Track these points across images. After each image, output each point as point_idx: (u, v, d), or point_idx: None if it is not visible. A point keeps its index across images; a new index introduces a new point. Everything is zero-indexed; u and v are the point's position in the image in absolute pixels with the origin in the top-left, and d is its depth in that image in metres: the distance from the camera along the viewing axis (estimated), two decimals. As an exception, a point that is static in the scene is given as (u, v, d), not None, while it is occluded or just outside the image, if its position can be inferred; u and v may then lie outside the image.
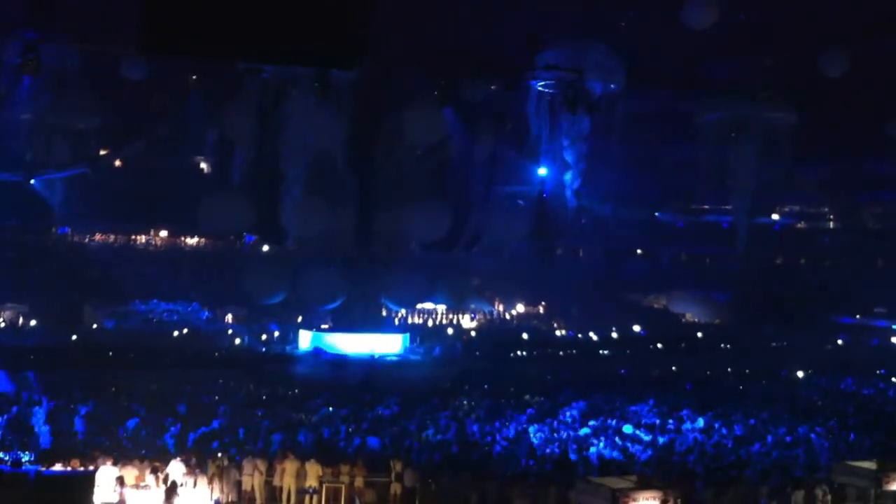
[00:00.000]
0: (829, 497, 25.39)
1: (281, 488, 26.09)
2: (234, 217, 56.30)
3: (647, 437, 33.81)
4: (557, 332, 69.43)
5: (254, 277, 58.58)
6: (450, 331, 65.98)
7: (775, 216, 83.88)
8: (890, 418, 38.41)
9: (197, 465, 25.61)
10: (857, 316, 72.58)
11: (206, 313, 64.61)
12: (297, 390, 41.41)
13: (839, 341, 66.91)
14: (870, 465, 25.62)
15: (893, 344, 67.67)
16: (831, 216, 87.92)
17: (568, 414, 37.31)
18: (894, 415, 39.53)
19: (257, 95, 55.83)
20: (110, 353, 49.10)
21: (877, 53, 60.53)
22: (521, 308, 76.73)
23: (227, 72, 53.07)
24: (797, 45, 61.64)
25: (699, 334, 70.83)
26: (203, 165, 76.43)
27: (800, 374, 52.48)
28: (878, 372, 51.93)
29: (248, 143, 57.69)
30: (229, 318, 63.93)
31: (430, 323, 68.85)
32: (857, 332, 69.56)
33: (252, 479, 26.05)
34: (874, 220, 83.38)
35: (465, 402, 39.38)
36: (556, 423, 35.79)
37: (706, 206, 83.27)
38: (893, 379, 49.43)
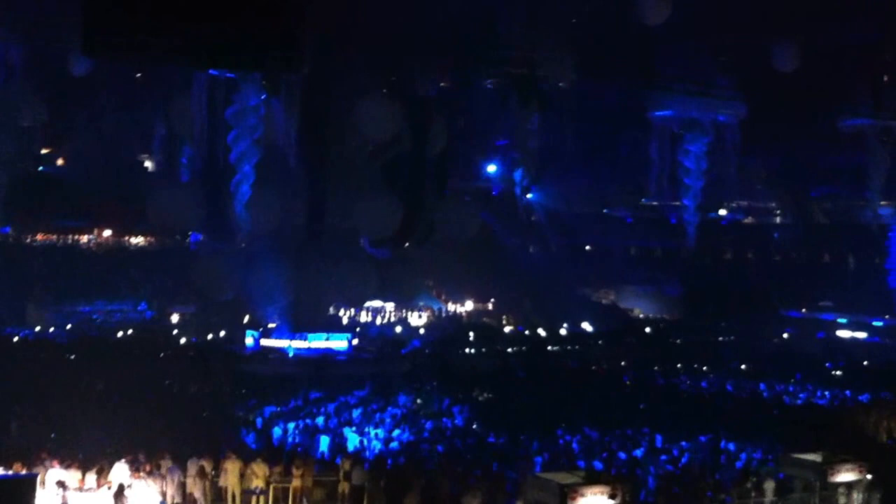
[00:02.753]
0: (775, 489, 25.61)
1: (226, 489, 25.68)
2: (181, 214, 55.58)
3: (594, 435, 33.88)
4: (507, 328, 69.55)
5: (201, 276, 57.87)
6: (398, 328, 65.77)
7: (724, 211, 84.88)
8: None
9: (141, 467, 25.13)
10: (804, 310, 73.60)
11: (152, 313, 63.72)
12: (243, 389, 40.90)
13: (785, 335, 67.82)
14: (815, 457, 25.87)
15: (839, 337, 68.82)
16: (779, 211, 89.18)
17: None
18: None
19: (205, 91, 55.24)
20: (53, 354, 48.16)
21: (825, 50, 61.50)
22: (470, 304, 76.75)
23: (174, 68, 52.38)
24: (747, 41, 62.44)
25: (648, 329, 71.35)
26: (148, 163, 75.40)
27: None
28: (825, 365, 52.63)
29: (196, 140, 57.01)
30: (175, 317, 63.08)
31: (378, 320, 68.57)
32: (803, 325, 70.56)
33: (197, 479, 25.59)
34: (821, 214, 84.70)
35: (414, 399, 39.21)
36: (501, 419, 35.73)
37: (656, 202, 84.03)
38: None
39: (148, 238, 75.82)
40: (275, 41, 9.49)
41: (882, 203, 71.34)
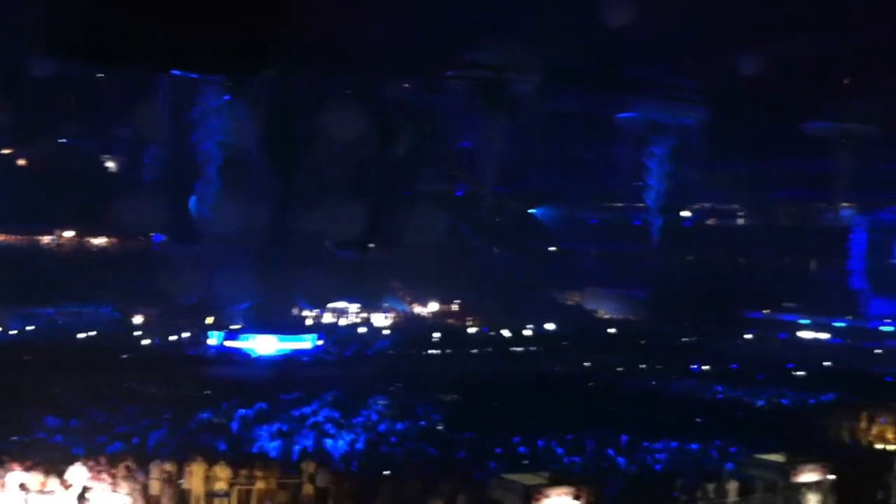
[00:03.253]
0: (738, 489, 25.81)
1: (190, 492, 25.46)
2: (144, 216, 55.16)
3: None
4: (471, 330, 69.63)
5: (164, 278, 57.41)
6: (363, 329, 65.62)
7: (687, 213, 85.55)
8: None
9: (104, 470, 24.87)
10: (767, 311, 74.33)
11: (115, 315, 63.08)
12: (207, 391, 40.60)
13: (748, 336, 68.46)
14: (778, 458, 26.10)
15: (801, 338, 69.62)
16: (742, 213, 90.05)
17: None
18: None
19: (169, 93, 54.88)
20: (14, 356, 47.53)
21: (789, 55, 62.28)
22: (434, 306, 76.76)
23: (138, 70, 51.99)
24: (713, 46, 63.08)
25: (612, 330, 71.72)
26: (110, 164, 74.68)
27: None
28: (784, 366, 53.12)
29: (160, 142, 56.63)
30: (138, 319, 62.50)
31: (343, 322, 68.36)
32: (766, 326, 71.27)
33: (160, 483, 25.35)
34: (784, 217, 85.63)
35: (378, 401, 39.09)
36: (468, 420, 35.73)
37: (621, 204, 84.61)
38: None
39: (111, 239, 75.10)
40: (239, 44, 9.41)
41: (844, 205, 72.28)
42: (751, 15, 58.80)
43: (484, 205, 66.74)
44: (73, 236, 75.99)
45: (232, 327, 58.27)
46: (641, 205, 77.33)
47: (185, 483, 25.62)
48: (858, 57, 60.93)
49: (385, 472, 26.93)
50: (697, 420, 36.90)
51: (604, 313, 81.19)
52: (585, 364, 53.59)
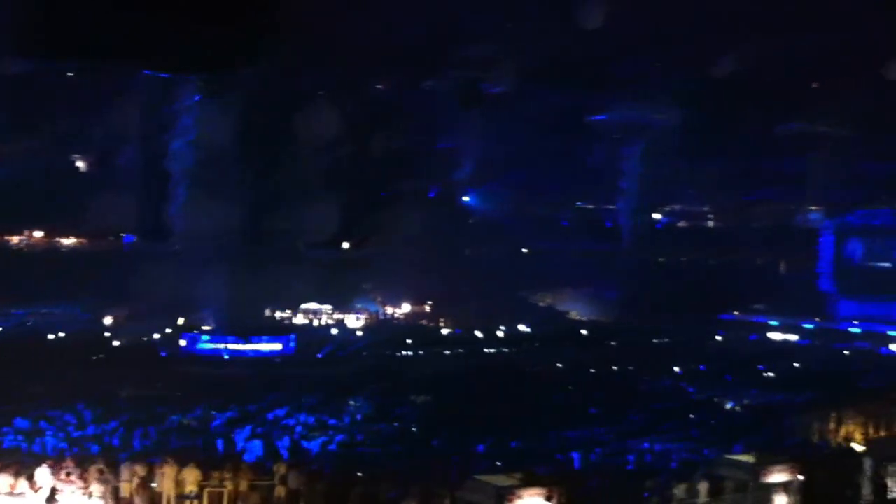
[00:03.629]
0: (709, 489, 25.99)
1: (161, 494, 25.33)
2: (114, 216, 54.79)
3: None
4: (444, 331, 69.67)
5: (135, 278, 57.01)
6: (335, 331, 65.47)
7: (659, 215, 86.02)
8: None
9: (75, 472, 24.69)
10: (737, 312, 74.86)
11: (86, 315, 62.55)
12: (178, 393, 40.36)
13: (719, 337, 68.93)
14: (748, 458, 26.31)
15: (771, 339, 70.21)
16: (714, 215, 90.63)
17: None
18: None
19: (142, 92, 54.54)
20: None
21: (761, 58, 62.82)
22: (407, 307, 76.71)
23: (109, 69, 51.66)
24: (686, 48, 63.50)
25: (584, 331, 71.97)
26: (80, 164, 74.00)
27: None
28: (754, 367, 53.49)
29: (131, 142, 56.24)
30: (109, 320, 62.01)
31: (315, 323, 68.15)
32: (737, 327, 71.77)
33: (131, 485, 25.21)
34: (754, 219, 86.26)
35: (351, 403, 39.05)
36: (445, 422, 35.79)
37: (592, 205, 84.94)
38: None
39: (81, 240, 74.47)
40: (213, 43, 9.30)
41: (814, 208, 73.02)
42: (724, 17, 59.27)
43: (457, 205, 66.84)
44: (43, 236, 75.30)
45: (204, 328, 57.95)
46: (614, 206, 77.74)
47: (156, 485, 25.50)
48: (828, 60, 61.60)
49: (358, 474, 26.87)
50: (669, 420, 37.12)
51: (576, 314, 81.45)
52: (558, 365, 53.71)
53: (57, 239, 75.18)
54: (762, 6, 56.39)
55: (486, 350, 60.64)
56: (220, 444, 31.70)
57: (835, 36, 60.35)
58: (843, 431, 36.35)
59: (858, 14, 55.63)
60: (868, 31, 58.92)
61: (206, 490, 25.40)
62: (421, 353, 58.09)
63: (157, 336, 57.31)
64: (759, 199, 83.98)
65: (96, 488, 24.38)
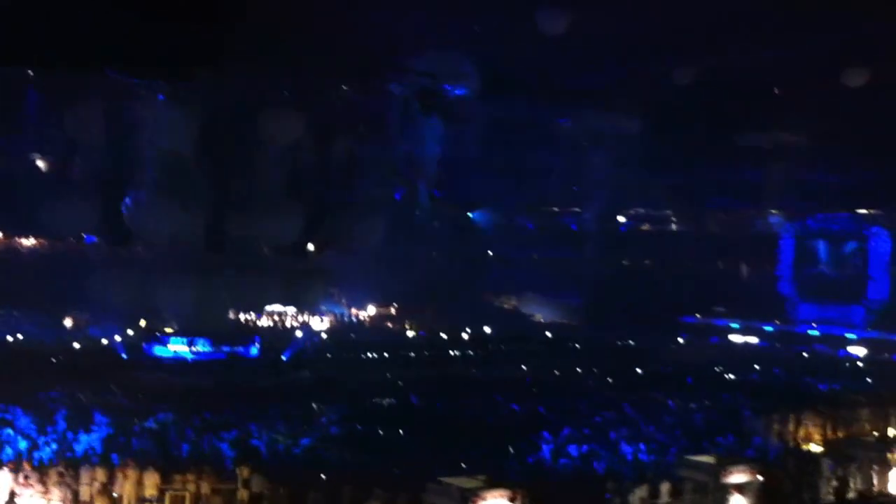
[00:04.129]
0: (670, 490, 26.23)
1: (121, 498, 25.13)
2: (75, 217, 54.23)
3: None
4: (409, 333, 69.68)
5: (96, 280, 56.46)
6: (300, 333, 65.24)
7: (622, 219, 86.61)
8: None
9: (33, 476, 24.45)
10: (699, 315, 75.55)
11: (45, 318, 61.80)
12: (140, 396, 40.02)
13: (681, 340, 69.54)
14: (709, 459, 26.62)
15: (731, 342, 70.98)
16: (676, 220, 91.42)
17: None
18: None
19: (105, 94, 54.05)
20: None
21: (723, 67, 63.54)
22: (372, 309, 76.66)
23: (71, 70, 51.13)
24: (649, 57, 64.06)
25: (548, 334, 72.30)
26: (41, 164, 73.16)
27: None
28: (715, 369, 54.01)
29: (93, 143, 55.69)
30: (69, 322, 61.33)
31: (279, 326, 67.87)
32: (698, 330, 72.45)
33: (91, 489, 24.99)
34: (716, 224, 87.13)
35: (315, 405, 38.94)
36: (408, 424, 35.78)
37: (556, 210, 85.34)
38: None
39: (41, 241, 73.61)
40: (175, 47, 9.28)
41: (773, 213, 73.93)
42: (684, 26, 59.93)
43: (422, 209, 66.91)
44: (2, 238, 74.40)
45: (166, 331, 57.50)
46: (577, 211, 78.14)
47: (116, 489, 25.32)
48: (787, 70, 62.53)
49: (321, 477, 26.80)
50: (631, 422, 37.38)
51: (540, 318, 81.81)
52: (522, 368, 53.90)
53: (16, 239, 74.33)
54: (722, 18, 57.17)
55: (450, 353, 60.70)
56: (181, 447, 31.50)
57: (793, 47, 61.25)
58: (801, 433, 36.82)
59: (815, 26, 56.52)
60: (825, 42, 59.91)
61: (168, 494, 25.26)
62: (386, 355, 58.03)
63: (118, 339, 56.79)
64: (720, 205, 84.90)
65: (56, 493, 24.18)
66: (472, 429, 35.28)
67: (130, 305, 56.43)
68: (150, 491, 25.01)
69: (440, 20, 62.32)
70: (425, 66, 55.08)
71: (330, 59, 57.31)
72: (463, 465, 29.25)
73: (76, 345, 54.88)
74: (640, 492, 26.15)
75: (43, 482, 24.18)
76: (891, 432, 36.99)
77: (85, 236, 67.39)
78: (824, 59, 60.06)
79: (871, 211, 76.50)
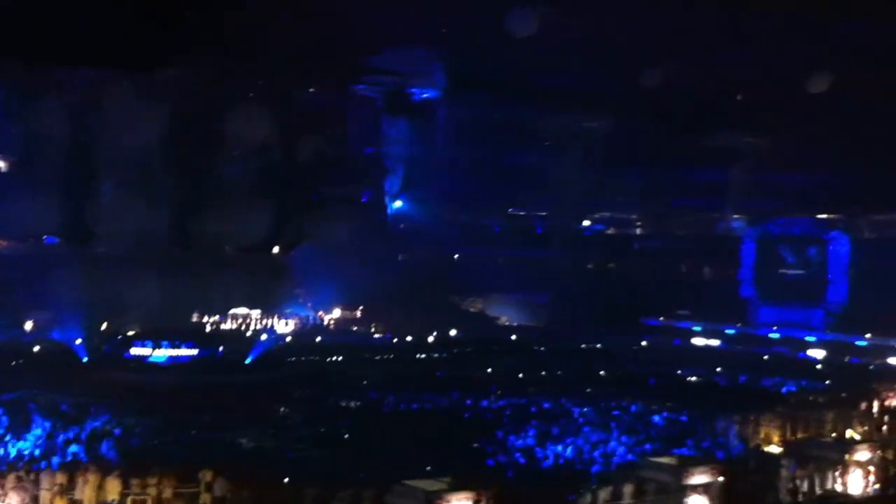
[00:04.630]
0: (633, 491, 26.44)
1: (82, 502, 24.92)
2: (36, 217, 53.64)
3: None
4: (375, 336, 69.63)
5: (57, 282, 55.85)
6: (265, 336, 64.96)
7: (588, 222, 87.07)
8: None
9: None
10: (662, 318, 76.11)
11: (5, 320, 61.05)
12: (102, 398, 39.65)
13: (644, 342, 70.03)
14: (671, 460, 26.86)
15: (693, 344, 71.60)
16: (640, 223, 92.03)
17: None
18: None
19: (68, 91, 53.50)
20: None
21: (688, 71, 64.13)
22: (338, 312, 76.47)
23: (33, 66, 50.54)
24: (615, 58, 64.47)
25: (513, 336, 72.51)
26: (0, 163, 72.26)
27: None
28: (676, 371, 54.44)
29: (53, 141, 55.09)
30: (29, 325, 60.65)
31: (244, 328, 67.53)
32: (662, 333, 72.98)
33: (51, 493, 24.76)
34: (679, 227, 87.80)
35: (280, 408, 38.84)
36: (373, 426, 35.79)
37: (522, 212, 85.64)
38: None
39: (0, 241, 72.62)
40: (140, 42, 9.27)
41: (735, 217, 74.67)
42: (651, 30, 60.46)
43: (388, 211, 66.86)
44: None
45: (128, 333, 57.08)
46: (543, 213, 78.47)
47: (77, 493, 25.11)
48: (751, 74, 63.23)
49: (285, 479, 26.73)
50: (594, 423, 37.62)
51: (506, 320, 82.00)
52: (488, 370, 54.03)
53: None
54: (688, 22, 57.75)
55: (416, 355, 60.70)
56: (144, 450, 31.28)
57: (758, 51, 61.98)
58: (761, 434, 37.23)
59: (779, 30, 57.17)
60: (788, 46, 60.66)
61: (129, 498, 25.07)
62: (352, 358, 57.93)
63: (79, 341, 56.26)
64: (683, 208, 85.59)
65: (14, 497, 23.93)
66: (436, 430, 35.32)
67: (92, 307, 55.90)
68: (111, 495, 24.82)
69: (407, 21, 62.38)
70: (392, 66, 55.09)
71: (297, 58, 57.17)
72: (427, 468, 29.36)
73: (36, 347, 54.26)
74: (604, 493, 26.34)
75: (1, 486, 23.92)
76: (849, 433, 37.51)
77: (46, 237, 66.64)
78: (788, 64, 60.85)
79: (831, 215, 77.55)
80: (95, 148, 55.13)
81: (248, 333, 65.72)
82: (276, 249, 64.78)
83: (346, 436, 34.47)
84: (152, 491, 25.20)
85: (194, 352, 54.30)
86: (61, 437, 31.77)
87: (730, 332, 72.89)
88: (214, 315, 65.19)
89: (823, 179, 72.73)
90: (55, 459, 28.51)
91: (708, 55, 63.36)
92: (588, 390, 47.23)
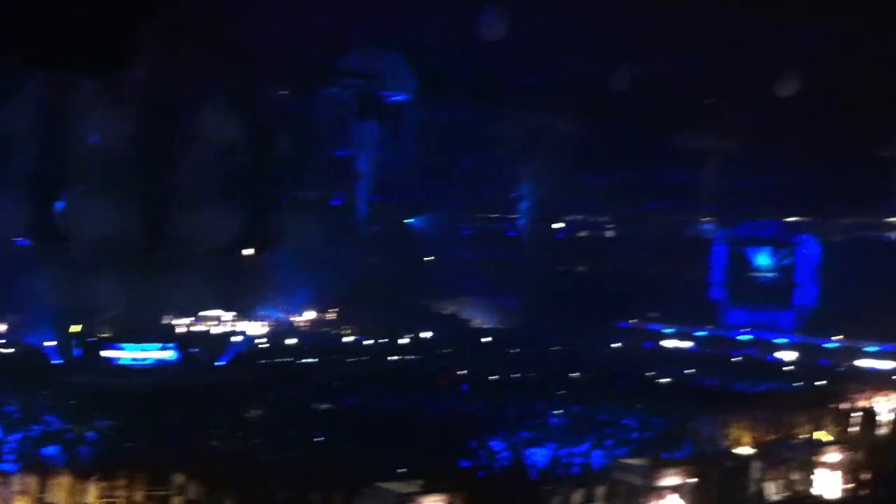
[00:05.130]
0: (605, 493, 26.66)
1: (54, 505, 24.84)
2: (6, 219, 53.20)
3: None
4: (347, 338, 69.59)
5: (28, 283, 55.39)
6: (237, 338, 64.78)
7: (560, 224, 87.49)
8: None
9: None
10: (633, 320, 76.59)
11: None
12: (73, 401, 39.44)
13: (615, 344, 70.47)
14: (642, 462, 27.11)
15: (664, 346, 72.14)
16: (611, 225, 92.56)
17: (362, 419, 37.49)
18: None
19: (36, 92, 53.02)
20: None
21: (659, 72, 64.54)
22: (311, 314, 76.39)
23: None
24: (585, 61, 64.80)
25: (486, 339, 72.71)
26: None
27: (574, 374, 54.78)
28: (649, 373, 54.81)
29: (23, 141, 54.58)
30: (2, 327, 60.11)
31: (216, 330, 67.30)
32: (632, 335, 73.46)
33: (23, 496, 24.66)
34: (650, 229, 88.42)
35: (252, 411, 38.75)
36: (346, 428, 35.81)
37: (494, 215, 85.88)
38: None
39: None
40: (107, 42, 9.28)
41: (705, 219, 75.26)
42: (619, 31, 60.83)
43: (360, 213, 66.86)
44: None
45: (100, 335, 56.72)
46: (515, 216, 78.74)
47: (49, 496, 25.02)
48: (720, 77, 63.72)
49: (257, 482, 26.71)
50: (566, 426, 37.85)
51: (479, 322, 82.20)
52: (460, 372, 54.18)
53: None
54: (656, 23, 58.18)
55: (389, 357, 60.75)
56: (115, 453, 31.15)
57: (727, 53, 62.49)
58: (732, 435, 37.61)
59: (749, 31, 57.65)
60: (757, 50, 61.23)
61: (101, 501, 25.02)
62: (324, 360, 57.90)
63: (50, 343, 55.86)
64: (654, 211, 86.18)
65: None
66: (408, 432, 35.39)
67: (63, 310, 55.53)
68: (83, 497, 24.75)
69: (378, 23, 62.40)
70: (363, 69, 55.03)
71: (268, 59, 57.04)
72: (400, 470, 29.42)
73: (6, 350, 53.85)
74: (576, 494, 26.54)
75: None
76: (819, 434, 37.98)
77: (16, 239, 66.02)
78: (758, 66, 61.43)
79: (800, 218, 78.37)
80: (65, 149, 54.65)
81: (220, 335, 65.48)
82: (248, 251, 64.51)
83: (319, 438, 34.44)
84: (124, 493, 25.15)
85: (166, 354, 54.03)
86: (32, 441, 31.57)
87: (701, 334, 73.51)
88: (186, 317, 64.91)
89: (792, 183, 73.50)
90: (26, 462, 28.32)
91: (677, 55, 63.90)
92: (561, 392, 47.44)
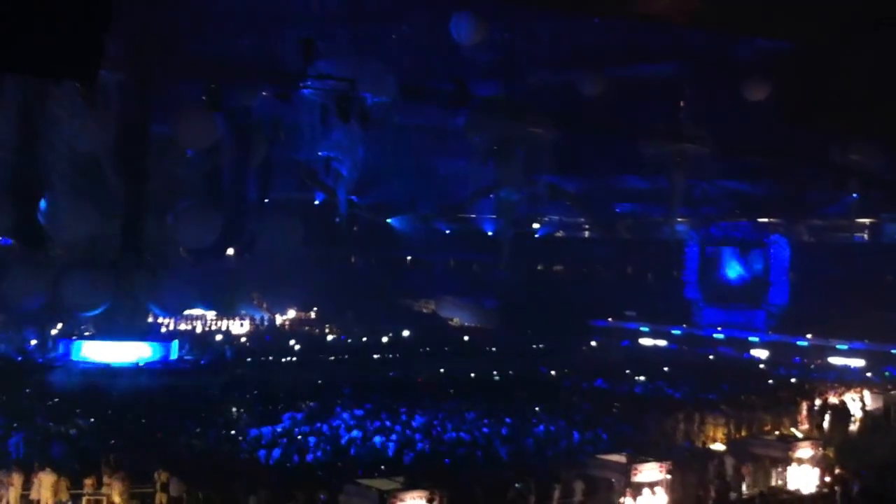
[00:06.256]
0: (584, 489, 27.16)
1: (38, 502, 25.04)
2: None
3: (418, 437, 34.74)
4: (329, 337, 69.87)
5: (10, 283, 55.30)
6: (219, 337, 64.93)
7: (537, 225, 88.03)
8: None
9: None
10: (610, 319, 77.27)
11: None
12: (56, 400, 39.52)
13: (593, 343, 71.09)
14: (619, 457, 27.64)
15: (640, 345, 72.85)
16: (587, 226, 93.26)
17: (341, 418, 37.68)
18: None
19: (15, 93, 52.89)
20: None
21: (631, 78, 65.39)
22: (292, 313, 76.63)
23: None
24: (560, 67, 65.51)
25: (466, 338, 73.14)
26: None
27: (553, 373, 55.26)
28: (625, 371, 55.39)
29: (4, 143, 54.47)
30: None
31: (198, 329, 67.42)
32: (609, 333, 74.13)
33: (6, 493, 24.85)
34: (626, 230, 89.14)
35: (234, 410, 38.92)
36: (326, 427, 36.04)
37: (472, 215, 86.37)
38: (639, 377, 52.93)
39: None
40: (82, 46, 9.59)
41: (679, 220, 76.03)
42: (593, 34, 61.79)
43: (340, 214, 67.09)
44: None
45: (82, 335, 56.74)
46: (493, 216, 79.18)
47: (32, 493, 25.26)
48: (693, 81, 64.75)
49: (239, 480, 26.99)
50: (545, 422, 38.29)
51: (458, 321, 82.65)
52: (440, 371, 54.58)
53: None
54: (627, 26, 59.19)
55: (370, 356, 61.07)
56: (98, 451, 31.28)
57: (702, 56, 63.43)
58: (706, 432, 38.27)
59: (719, 38, 58.69)
60: (725, 54, 62.34)
61: (84, 499, 25.30)
62: (306, 359, 58.13)
63: (33, 342, 55.86)
64: (629, 212, 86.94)
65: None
66: (389, 430, 35.73)
67: (46, 308, 55.56)
68: (65, 495, 25.00)
69: (358, 26, 62.80)
70: (343, 71, 55.19)
71: (248, 62, 57.26)
72: (382, 466, 29.84)
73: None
74: (555, 491, 27.05)
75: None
76: (791, 430, 38.68)
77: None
78: (728, 71, 62.33)
79: (772, 219, 79.31)
80: (48, 151, 54.60)
81: (203, 335, 65.59)
82: (229, 251, 64.70)
83: (300, 436, 34.72)
84: (106, 491, 25.42)
85: (147, 353, 54.16)
86: (13, 439, 31.64)
87: (676, 332, 74.30)
88: (169, 316, 64.98)
89: (763, 185, 74.57)
90: (8, 460, 28.45)
91: (650, 59, 64.79)
92: (538, 389, 47.91)
